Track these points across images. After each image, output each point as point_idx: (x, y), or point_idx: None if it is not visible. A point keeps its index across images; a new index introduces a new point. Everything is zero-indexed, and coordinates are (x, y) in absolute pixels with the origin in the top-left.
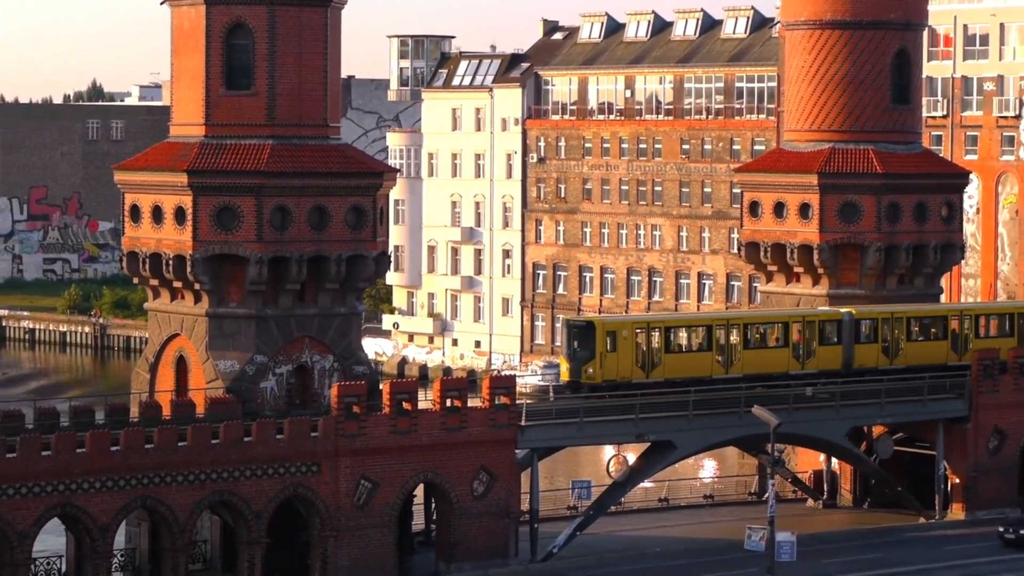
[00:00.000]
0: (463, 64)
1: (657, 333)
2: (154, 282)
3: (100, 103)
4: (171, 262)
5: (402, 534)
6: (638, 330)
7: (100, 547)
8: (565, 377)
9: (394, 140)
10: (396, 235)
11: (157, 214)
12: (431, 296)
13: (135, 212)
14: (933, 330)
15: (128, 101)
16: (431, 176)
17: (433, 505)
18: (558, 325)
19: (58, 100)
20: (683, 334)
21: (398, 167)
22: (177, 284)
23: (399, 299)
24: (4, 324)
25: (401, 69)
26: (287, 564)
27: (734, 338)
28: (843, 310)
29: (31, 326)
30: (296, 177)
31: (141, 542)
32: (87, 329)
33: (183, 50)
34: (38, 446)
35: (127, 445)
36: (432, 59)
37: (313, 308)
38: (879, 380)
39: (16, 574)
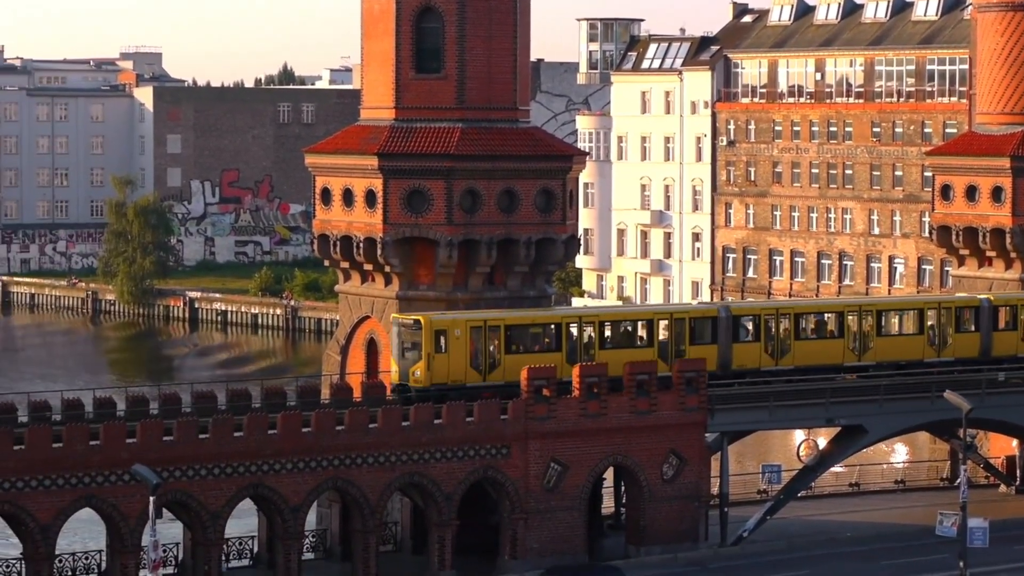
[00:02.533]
0: (652, 47)
1: (496, 332)
2: (345, 264)
3: (291, 87)
4: (362, 245)
5: (592, 517)
6: (473, 329)
7: (291, 528)
8: (395, 380)
9: (583, 123)
10: (585, 218)
11: (348, 197)
12: (620, 279)
13: (326, 195)
14: None
15: (319, 84)
16: (620, 159)
17: (623, 488)
18: None
19: (249, 84)
20: (528, 333)
21: (587, 150)
22: (368, 267)
23: (589, 282)
24: (197, 306)
25: (590, 52)
26: (477, 546)
27: (589, 336)
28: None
29: (223, 308)
30: (486, 160)
31: (332, 523)
32: (278, 311)
33: (373, 34)
34: (230, 427)
35: (318, 427)
36: (621, 42)
37: (503, 291)
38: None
39: (209, 554)
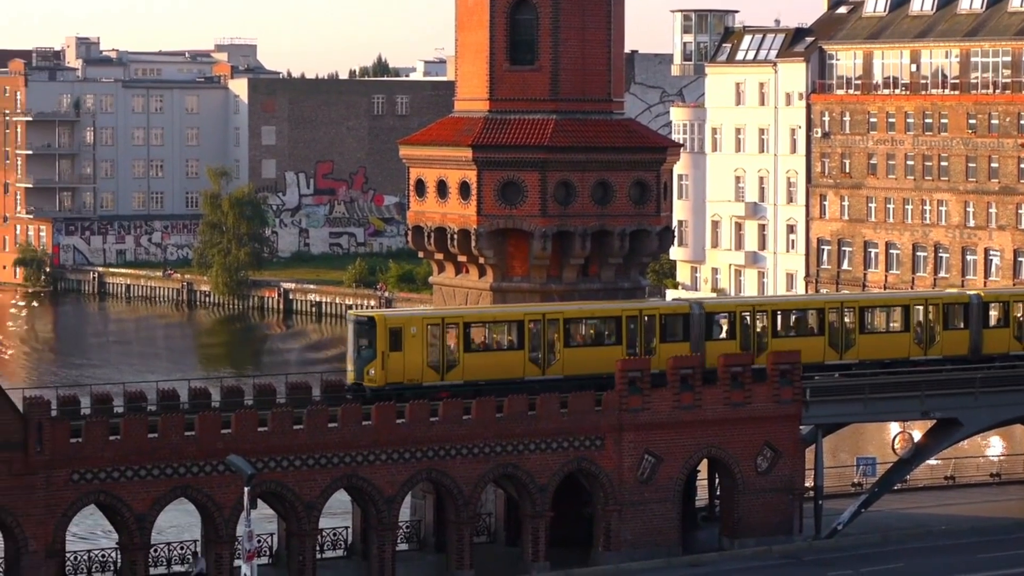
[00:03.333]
0: (747, 38)
1: (454, 330)
2: (439, 256)
3: (385, 78)
4: (456, 236)
5: (686, 509)
6: (431, 327)
7: (386, 519)
8: (350, 379)
9: (677, 115)
10: (680, 210)
11: (442, 188)
12: (715, 271)
13: (420, 186)
14: None
15: (413, 76)
16: (715, 151)
17: (717, 480)
18: None
19: (344, 75)
20: (486, 331)
21: (681, 142)
22: (462, 258)
23: (683, 274)
24: (291, 297)
25: (685, 43)
26: (570, 538)
27: (554, 334)
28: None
29: (317, 299)
30: (580, 152)
31: (426, 514)
32: (372, 302)
33: (467, 25)
34: (325, 418)
35: (412, 417)
36: (716, 33)
37: (597, 282)
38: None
39: (303, 545)
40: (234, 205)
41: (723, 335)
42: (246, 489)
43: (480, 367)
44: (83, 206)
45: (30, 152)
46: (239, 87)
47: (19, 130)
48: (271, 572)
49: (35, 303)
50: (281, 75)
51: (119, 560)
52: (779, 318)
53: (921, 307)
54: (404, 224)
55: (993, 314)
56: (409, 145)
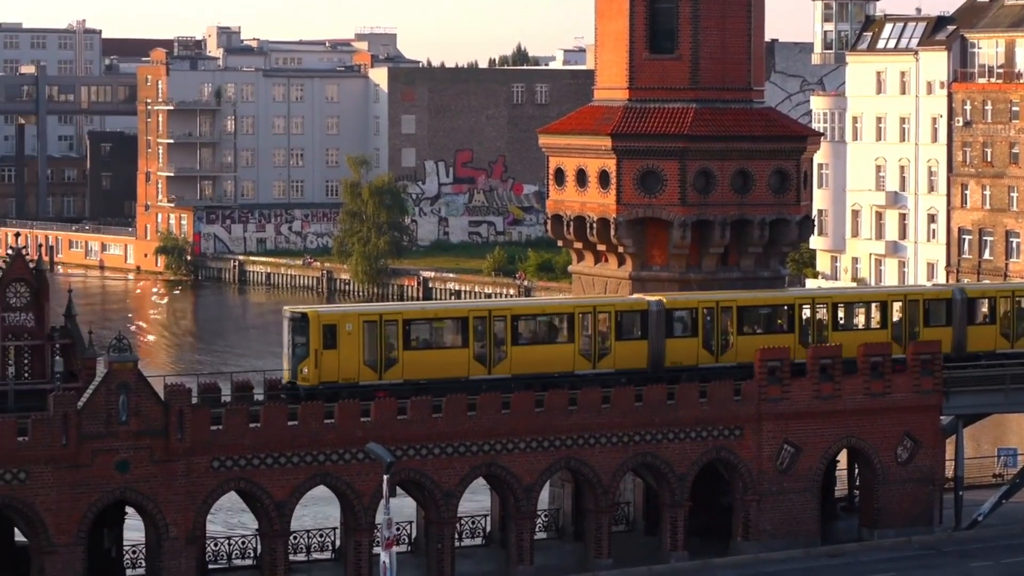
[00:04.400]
0: (888, 27)
1: (394, 327)
2: (578, 245)
3: (525, 67)
4: (595, 225)
5: (825, 499)
6: (367, 323)
7: (524, 507)
8: (286, 378)
9: (818, 104)
10: (820, 199)
11: (581, 177)
12: (855, 261)
13: (559, 175)
14: None
15: (552, 65)
16: (855, 140)
17: (856, 471)
18: None
19: (483, 64)
20: (429, 328)
21: (822, 131)
22: (601, 247)
23: (823, 263)
24: (430, 286)
25: (825, 32)
26: (709, 527)
27: (500, 332)
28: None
29: (457, 288)
30: (720, 141)
31: (565, 503)
32: (512, 291)
33: (607, 14)
34: (464, 406)
35: (551, 406)
36: (856, 22)
37: (736, 272)
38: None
39: (442, 532)
40: (374, 194)
41: (684, 332)
42: (385, 477)
43: (421, 366)
44: (224, 195)
45: (171, 141)
46: (379, 76)
47: (161, 119)
48: (410, 560)
49: (176, 291)
50: (421, 64)
51: (259, 547)
52: (741, 314)
53: (900, 303)
54: (543, 213)
55: (978, 310)
56: (549, 134)
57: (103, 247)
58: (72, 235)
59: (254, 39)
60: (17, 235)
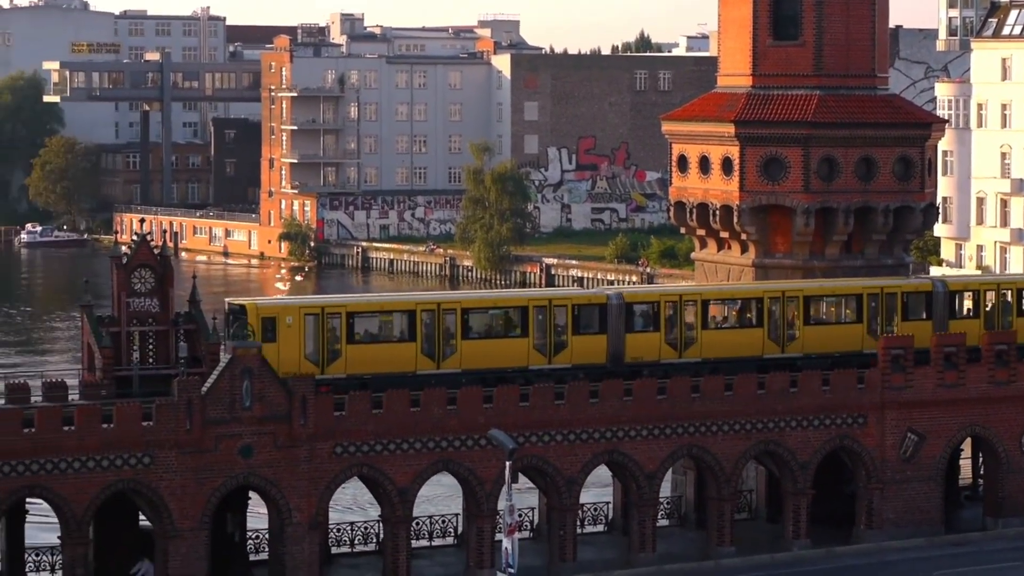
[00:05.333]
0: (1013, 13)
1: (337, 320)
2: (701, 232)
3: (648, 54)
4: (718, 212)
5: (949, 488)
6: (308, 316)
7: (646, 495)
8: None
9: (942, 90)
10: (944, 186)
11: (704, 164)
12: (979, 248)
13: (682, 162)
14: None
15: (675, 52)
16: (980, 127)
17: (980, 459)
18: None
19: (606, 51)
20: (374, 321)
21: (946, 118)
22: (724, 234)
23: (947, 251)
24: (553, 272)
25: (950, 18)
26: (832, 515)
27: (450, 326)
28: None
29: (579, 274)
30: (843, 128)
31: (687, 491)
32: (634, 278)
33: (731, 1)
34: (586, 393)
35: (674, 394)
36: (982, 8)
37: (859, 259)
38: None
39: (564, 519)
40: (497, 180)
41: (648, 327)
42: (507, 463)
43: (366, 360)
44: (347, 181)
45: (295, 128)
46: (502, 63)
47: (284, 106)
48: (532, 547)
49: (299, 277)
50: (544, 51)
51: (381, 533)
52: (709, 309)
53: (876, 296)
54: (666, 200)
55: (961, 304)
56: (672, 121)
57: (227, 233)
58: (196, 221)
59: (377, 26)
60: (142, 221)
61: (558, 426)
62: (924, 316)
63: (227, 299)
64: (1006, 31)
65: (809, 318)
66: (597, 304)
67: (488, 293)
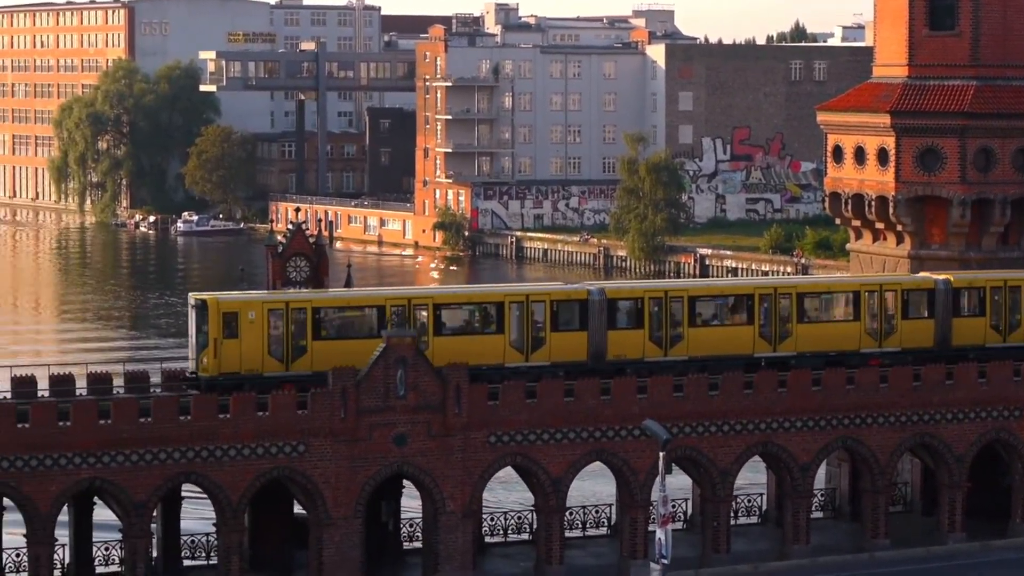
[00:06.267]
0: None
1: (303, 315)
2: (856, 223)
3: (803, 44)
4: (873, 203)
5: None
6: (272, 312)
7: (800, 486)
8: (191, 367)
9: None
10: None
11: (860, 155)
12: None
13: (838, 153)
14: None
15: (831, 42)
16: None
17: None
18: None
19: (761, 41)
20: (341, 316)
21: None
22: (879, 225)
23: None
24: (707, 263)
25: None
26: (988, 509)
27: (426, 319)
28: (938, 277)
29: (733, 265)
30: (1001, 118)
31: (841, 482)
32: (789, 269)
33: None
34: (740, 384)
35: (828, 385)
36: None
37: (1016, 251)
38: None
39: (718, 510)
40: (651, 171)
41: (627, 324)
42: (661, 454)
43: (332, 356)
44: (501, 171)
45: (450, 117)
46: (656, 53)
47: (439, 95)
48: (685, 538)
49: (453, 267)
50: (698, 41)
51: (534, 522)
52: (696, 306)
53: (875, 293)
54: (821, 190)
55: (966, 301)
56: (827, 111)
57: (381, 222)
58: (351, 210)
59: (532, 16)
60: (297, 210)
61: (712, 417)
62: (925, 314)
63: (191, 293)
64: None
65: (803, 316)
66: (577, 300)
67: (464, 288)
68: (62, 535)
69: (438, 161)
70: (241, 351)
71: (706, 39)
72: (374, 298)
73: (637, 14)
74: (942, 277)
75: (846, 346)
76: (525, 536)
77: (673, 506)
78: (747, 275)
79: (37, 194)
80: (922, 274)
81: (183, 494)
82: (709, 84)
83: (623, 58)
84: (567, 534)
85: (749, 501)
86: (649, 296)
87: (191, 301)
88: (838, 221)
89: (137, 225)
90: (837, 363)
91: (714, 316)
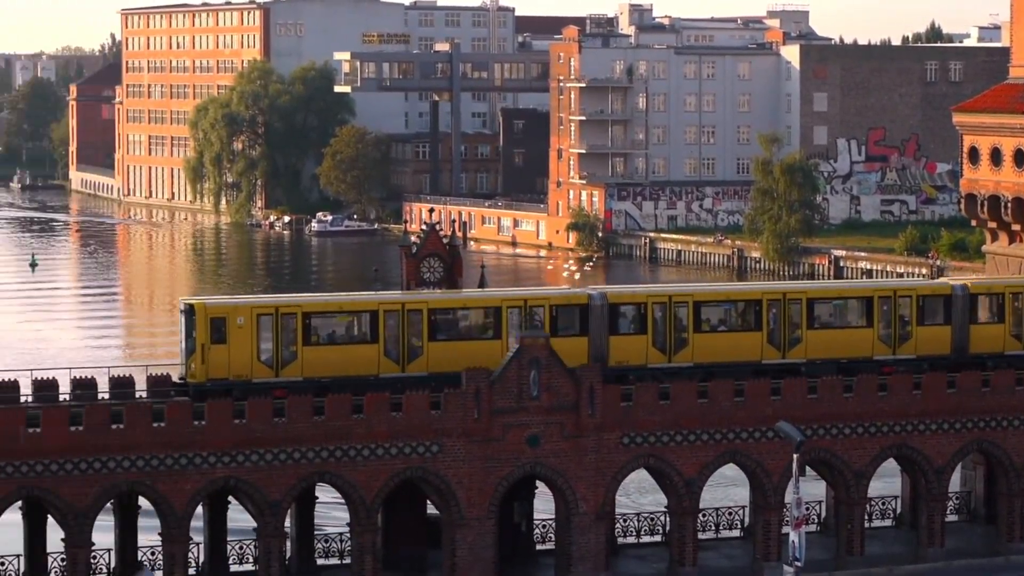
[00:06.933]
0: None
1: (293, 320)
2: (992, 224)
3: (938, 44)
4: (1010, 204)
5: None
6: (261, 316)
7: (935, 489)
8: (181, 373)
9: None
10: None
11: (996, 156)
12: None
13: (974, 154)
14: None
15: (967, 42)
16: None
17: None
18: None
19: (896, 41)
20: (333, 321)
21: None
22: (1016, 227)
23: None
24: (842, 264)
25: None
26: None
27: (419, 327)
28: (955, 283)
29: (868, 266)
30: None
31: (977, 486)
32: (924, 271)
33: None
34: (875, 386)
35: (963, 388)
36: None
37: None
38: None
39: (851, 513)
40: (785, 171)
41: (631, 329)
42: (795, 456)
43: (324, 363)
44: (635, 172)
45: (583, 118)
46: (791, 53)
47: (573, 96)
48: (819, 540)
49: (587, 267)
50: (833, 41)
51: (667, 524)
52: (701, 311)
53: (889, 299)
54: (957, 192)
55: (984, 308)
56: (963, 112)
57: (515, 223)
58: (485, 211)
59: (666, 16)
60: (431, 211)
61: (846, 419)
62: (942, 321)
63: (181, 298)
64: None
65: (813, 322)
66: (578, 304)
67: (459, 293)
68: (196, 534)
69: (572, 162)
70: (229, 357)
71: (841, 40)
72: (367, 303)
73: (771, 14)
74: (960, 282)
75: (858, 353)
76: (658, 538)
77: (807, 508)
78: (882, 276)
79: (173, 194)
80: (940, 280)
81: (316, 494)
82: (844, 85)
83: (757, 59)
84: (700, 536)
85: (883, 504)
86: (653, 301)
87: (180, 306)
88: (974, 223)
89: (272, 225)
90: (849, 371)
91: (721, 322)
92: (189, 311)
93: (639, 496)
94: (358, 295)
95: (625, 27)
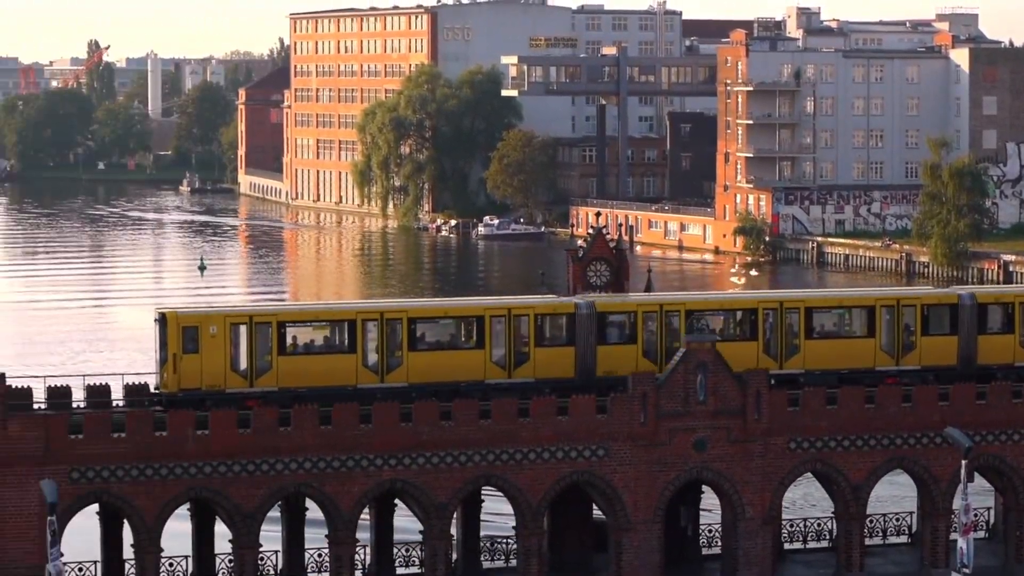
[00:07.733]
0: None
1: (268, 329)
2: None
3: None
4: None
5: None
6: (235, 325)
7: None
8: (156, 383)
9: None
10: None
11: None
12: None
13: None
14: None
15: None
16: None
17: None
18: None
19: None
20: (308, 331)
21: None
22: None
23: None
24: (1011, 269)
25: None
26: None
27: (399, 336)
28: (962, 292)
29: None
30: None
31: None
32: None
33: None
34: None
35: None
36: None
37: None
38: None
39: (1022, 520)
40: (954, 175)
41: (617, 339)
42: (963, 462)
43: (299, 373)
44: (802, 175)
45: (750, 122)
46: (960, 56)
47: (740, 100)
48: (987, 547)
49: (754, 271)
50: (1003, 44)
51: (834, 529)
52: (696, 321)
53: (892, 308)
54: None
55: (992, 317)
56: None
57: (682, 227)
58: (651, 215)
59: (834, 20)
60: (598, 215)
61: (1016, 425)
62: (948, 331)
63: (156, 307)
64: None
65: (811, 331)
66: (564, 313)
67: (441, 301)
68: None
69: (739, 166)
70: (201, 367)
71: (1011, 43)
72: (345, 312)
73: (940, 17)
74: (967, 291)
75: (860, 363)
76: (824, 543)
77: (976, 515)
78: None
79: (341, 198)
80: (949, 288)
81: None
82: (1014, 88)
83: (926, 62)
84: (867, 542)
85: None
86: (642, 310)
87: (155, 314)
88: None
89: (439, 228)
90: (850, 381)
91: (719, 332)
92: (162, 320)
93: (805, 505)
94: (336, 305)
95: (793, 30)
